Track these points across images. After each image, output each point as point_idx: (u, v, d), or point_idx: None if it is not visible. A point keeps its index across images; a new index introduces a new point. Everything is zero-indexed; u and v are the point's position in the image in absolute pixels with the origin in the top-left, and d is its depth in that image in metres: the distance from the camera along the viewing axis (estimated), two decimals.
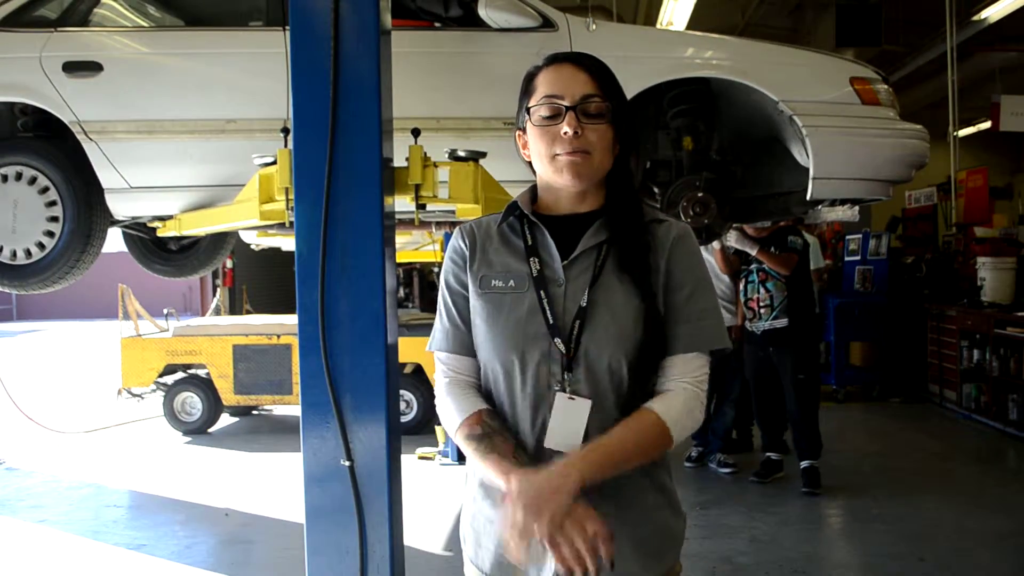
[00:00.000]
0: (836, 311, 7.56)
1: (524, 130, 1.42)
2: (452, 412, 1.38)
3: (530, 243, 1.39)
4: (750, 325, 5.01)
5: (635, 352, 1.32)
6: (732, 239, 4.84)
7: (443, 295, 1.45)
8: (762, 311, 4.91)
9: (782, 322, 4.87)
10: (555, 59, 1.40)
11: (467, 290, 1.41)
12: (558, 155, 1.34)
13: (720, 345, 1.38)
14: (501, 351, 1.35)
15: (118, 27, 3.69)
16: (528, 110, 1.38)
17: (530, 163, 1.43)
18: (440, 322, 1.45)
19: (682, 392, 1.33)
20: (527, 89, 1.41)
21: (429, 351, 1.46)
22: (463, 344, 1.42)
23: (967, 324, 6.77)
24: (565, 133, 1.33)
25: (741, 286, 5.07)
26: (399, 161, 2.54)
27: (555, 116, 1.35)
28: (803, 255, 4.89)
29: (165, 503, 5.04)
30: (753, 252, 4.85)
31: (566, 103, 1.34)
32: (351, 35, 2.23)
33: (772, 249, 4.84)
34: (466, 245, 1.43)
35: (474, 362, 1.42)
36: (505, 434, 1.34)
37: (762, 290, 4.91)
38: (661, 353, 1.35)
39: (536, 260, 1.37)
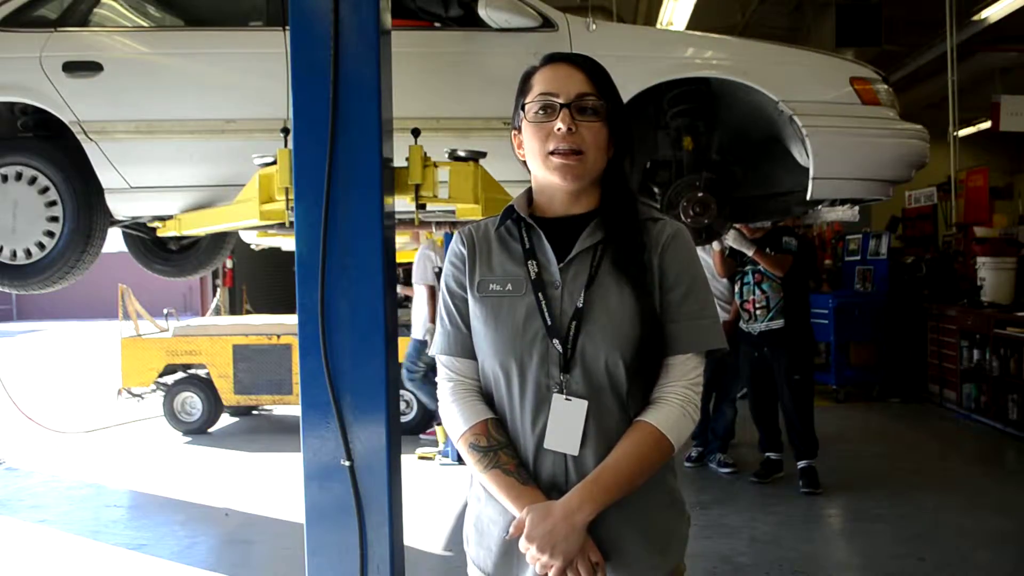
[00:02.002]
0: (836, 311, 7.56)
1: (519, 129, 1.43)
2: (457, 418, 1.39)
3: (527, 246, 1.40)
4: (746, 326, 5.01)
5: (632, 352, 1.33)
6: (730, 239, 4.85)
7: (444, 299, 1.46)
8: (758, 312, 4.91)
9: (778, 323, 4.87)
10: (552, 59, 1.41)
11: (466, 290, 1.42)
12: (551, 154, 1.35)
13: (716, 345, 1.38)
14: (500, 354, 1.36)
15: (118, 27, 3.69)
16: (523, 107, 1.39)
17: (525, 163, 1.44)
18: (442, 326, 1.45)
19: (676, 397, 1.34)
20: (523, 88, 1.42)
21: (432, 356, 1.47)
22: (465, 347, 1.42)
23: (967, 324, 6.77)
24: (559, 129, 1.34)
25: (737, 288, 5.08)
26: (399, 161, 2.54)
27: (549, 113, 1.36)
28: (798, 256, 4.89)
29: (165, 503, 5.04)
30: (750, 252, 4.86)
31: (560, 100, 1.35)
32: (351, 35, 2.23)
33: (767, 250, 4.84)
34: (465, 249, 1.44)
35: (476, 364, 1.42)
36: (509, 448, 1.35)
37: (758, 291, 4.91)
38: (659, 352, 1.36)
39: (533, 263, 1.38)
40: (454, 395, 1.41)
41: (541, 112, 1.36)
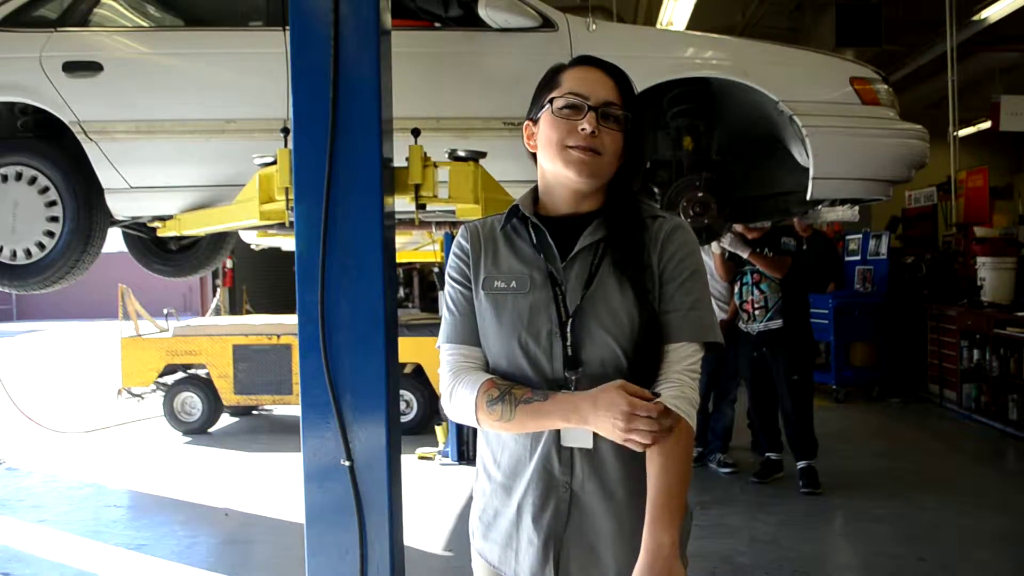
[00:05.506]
0: (836, 311, 7.57)
1: (535, 121, 1.43)
2: (464, 391, 1.38)
3: (534, 243, 1.41)
4: (745, 326, 5.01)
5: (632, 348, 1.35)
6: (726, 241, 4.84)
7: (448, 289, 1.47)
8: (757, 312, 4.91)
9: (776, 323, 4.88)
10: (586, 60, 1.43)
11: (471, 283, 1.44)
12: (570, 147, 1.36)
13: (710, 338, 1.39)
14: (507, 351, 1.38)
15: (118, 27, 3.69)
16: (551, 101, 1.40)
17: (534, 155, 1.45)
18: (446, 315, 1.46)
19: (670, 384, 1.34)
20: (551, 82, 1.43)
21: (438, 347, 1.47)
22: (471, 333, 1.43)
23: (967, 324, 6.78)
24: (583, 129, 1.36)
25: (736, 288, 5.08)
26: (399, 161, 2.54)
27: (576, 112, 1.37)
28: (797, 256, 4.89)
29: (165, 503, 5.04)
30: (745, 255, 4.85)
31: (590, 103, 1.37)
32: (351, 35, 2.23)
33: (765, 251, 4.84)
34: (469, 244, 1.46)
35: (482, 351, 1.43)
36: (518, 385, 1.36)
37: (756, 292, 4.91)
38: (659, 348, 1.37)
39: (542, 258, 1.40)
40: (456, 376, 1.41)
41: (567, 109, 1.38)
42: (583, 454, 1.35)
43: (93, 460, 6.12)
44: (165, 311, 8.14)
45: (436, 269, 7.74)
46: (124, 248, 4.49)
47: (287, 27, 2.51)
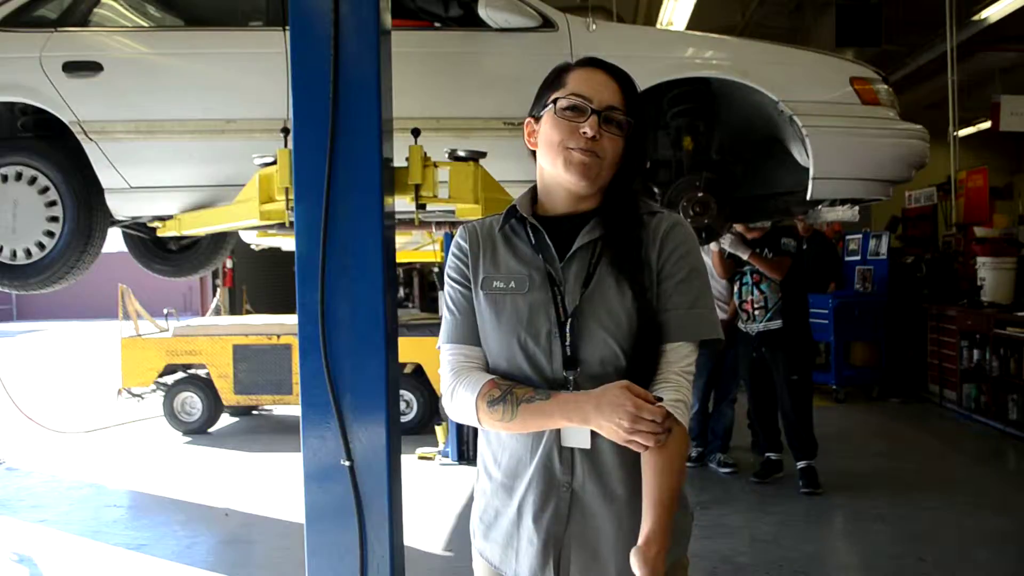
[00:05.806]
0: (836, 311, 7.57)
1: (537, 119, 1.43)
2: (465, 391, 1.38)
3: (532, 243, 1.41)
4: (744, 326, 5.01)
5: (631, 347, 1.35)
6: (726, 242, 4.84)
7: (448, 290, 1.47)
8: (756, 312, 4.92)
9: (776, 323, 4.88)
10: (592, 63, 1.43)
11: (470, 283, 1.44)
12: (571, 148, 1.36)
13: (711, 335, 1.38)
14: (506, 351, 1.38)
15: (118, 27, 3.69)
16: (554, 101, 1.39)
17: (533, 153, 1.45)
18: (446, 316, 1.46)
19: (668, 384, 1.34)
20: (555, 81, 1.42)
21: (439, 348, 1.47)
22: (471, 333, 1.43)
23: (967, 324, 6.78)
24: (584, 132, 1.35)
25: (736, 288, 5.08)
26: (399, 161, 2.54)
27: (578, 114, 1.37)
28: (797, 257, 4.88)
29: (165, 503, 5.04)
30: (745, 256, 4.85)
31: (593, 106, 1.36)
32: (351, 35, 2.23)
33: (765, 252, 4.84)
34: (468, 244, 1.46)
35: (482, 351, 1.43)
36: (519, 385, 1.36)
37: (756, 292, 4.92)
38: (658, 347, 1.37)
39: (540, 258, 1.40)
40: (457, 376, 1.41)
41: (570, 111, 1.37)
42: (584, 454, 1.35)
43: (93, 460, 6.12)
44: (165, 311, 8.13)
45: (436, 269, 7.74)
46: (124, 248, 4.49)
47: (287, 27, 2.51)
